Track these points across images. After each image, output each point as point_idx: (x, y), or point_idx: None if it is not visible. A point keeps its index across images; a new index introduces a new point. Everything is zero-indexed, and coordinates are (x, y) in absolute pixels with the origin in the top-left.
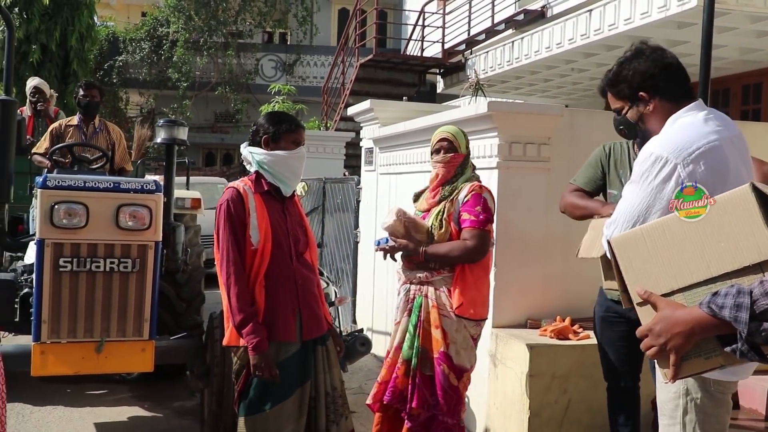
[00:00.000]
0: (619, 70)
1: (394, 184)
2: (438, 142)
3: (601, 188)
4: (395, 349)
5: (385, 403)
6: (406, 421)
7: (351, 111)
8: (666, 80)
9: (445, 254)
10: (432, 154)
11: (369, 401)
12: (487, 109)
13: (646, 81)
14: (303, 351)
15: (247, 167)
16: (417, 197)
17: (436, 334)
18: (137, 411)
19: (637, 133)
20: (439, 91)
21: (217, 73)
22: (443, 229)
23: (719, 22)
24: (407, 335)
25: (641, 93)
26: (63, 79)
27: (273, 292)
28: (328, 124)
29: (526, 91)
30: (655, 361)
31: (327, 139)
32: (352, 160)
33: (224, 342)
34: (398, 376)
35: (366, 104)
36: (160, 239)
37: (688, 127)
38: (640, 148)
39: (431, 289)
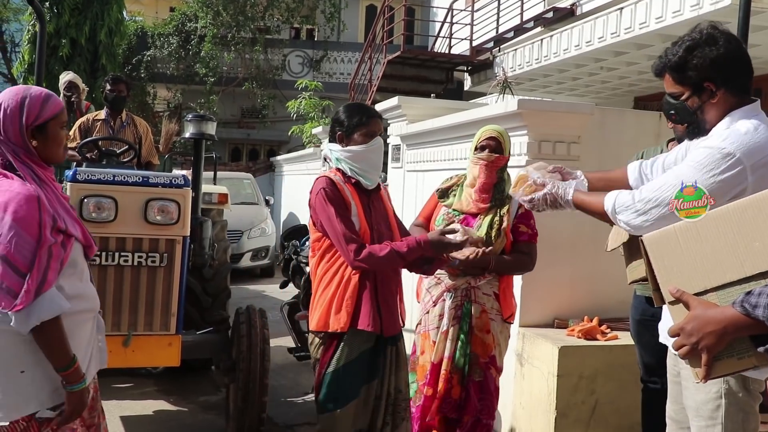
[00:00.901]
0: (687, 55)
1: (421, 181)
2: (486, 139)
3: None
4: (447, 359)
5: (449, 417)
6: (458, 430)
7: (379, 108)
8: (736, 73)
9: (510, 267)
10: (475, 150)
11: (428, 418)
12: (516, 107)
13: (716, 71)
14: (374, 349)
15: (330, 164)
16: (444, 193)
17: (487, 339)
18: (162, 405)
19: (690, 121)
20: (466, 88)
21: (244, 68)
22: (501, 239)
23: (753, 21)
24: (459, 343)
25: (708, 83)
26: (92, 74)
27: (360, 285)
28: None
29: (554, 89)
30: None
31: None
32: None
33: (312, 327)
34: (453, 386)
35: (394, 101)
36: (188, 234)
37: (757, 130)
38: (691, 137)
39: (479, 293)
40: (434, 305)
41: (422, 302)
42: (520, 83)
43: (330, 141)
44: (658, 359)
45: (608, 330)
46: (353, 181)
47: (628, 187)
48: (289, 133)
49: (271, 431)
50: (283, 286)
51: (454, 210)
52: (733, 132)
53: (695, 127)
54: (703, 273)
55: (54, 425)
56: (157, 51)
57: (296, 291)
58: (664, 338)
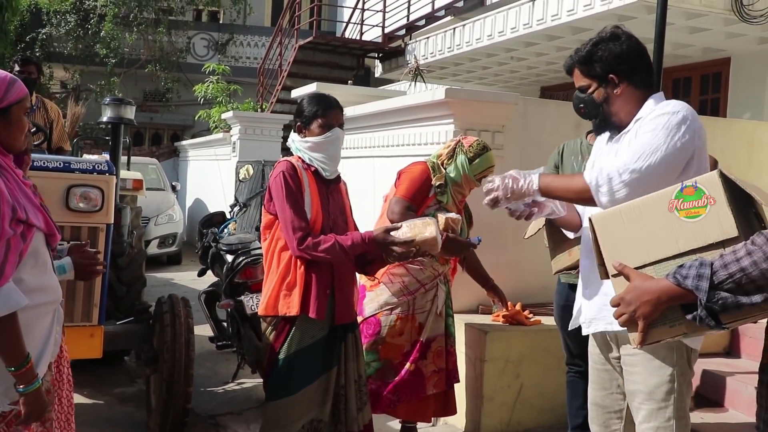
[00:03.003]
0: (593, 50)
1: (341, 169)
2: (489, 169)
3: None
4: (441, 336)
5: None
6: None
7: (295, 93)
8: (638, 68)
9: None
10: (477, 171)
11: (431, 391)
12: (444, 96)
13: (619, 64)
14: (330, 337)
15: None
16: (442, 190)
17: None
18: (77, 398)
19: (597, 114)
20: (376, 75)
21: (147, 50)
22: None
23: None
24: (450, 320)
25: (612, 75)
26: None
27: (310, 270)
28: (264, 106)
29: (463, 78)
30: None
31: (265, 121)
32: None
33: (262, 311)
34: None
35: (312, 87)
36: (112, 222)
37: (681, 103)
38: (599, 129)
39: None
40: (426, 291)
41: (403, 288)
42: (431, 71)
43: (293, 130)
44: (581, 344)
45: (531, 315)
46: (312, 169)
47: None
48: (196, 118)
49: (194, 422)
50: (201, 274)
51: (445, 208)
52: (674, 102)
53: (601, 121)
54: (643, 249)
55: (11, 421)
56: (53, 29)
57: (213, 279)
58: (586, 329)
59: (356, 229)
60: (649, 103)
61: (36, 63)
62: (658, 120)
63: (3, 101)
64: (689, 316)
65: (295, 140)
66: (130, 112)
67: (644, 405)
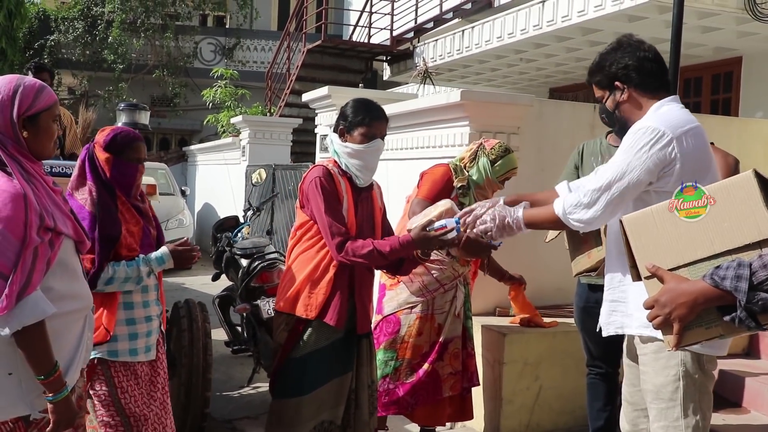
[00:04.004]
0: (599, 61)
1: None
2: (513, 171)
3: None
4: (459, 338)
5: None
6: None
7: (306, 97)
8: (639, 72)
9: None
10: (500, 173)
11: (447, 393)
12: (459, 98)
13: (620, 71)
14: (346, 341)
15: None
16: (465, 191)
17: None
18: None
19: (614, 121)
20: (385, 78)
21: (154, 55)
22: None
23: (667, 17)
24: (470, 322)
25: (616, 82)
26: None
27: (336, 278)
28: (272, 110)
29: (472, 80)
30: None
31: (274, 125)
32: (296, 147)
33: (278, 307)
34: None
35: (323, 91)
36: None
37: (676, 111)
38: (619, 136)
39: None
40: (445, 291)
41: (422, 287)
42: (440, 73)
43: (333, 131)
44: (602, 345)
45: (548, 318)
46: (348, 175)
47: None
48: (205, 122)
49: (211, 426)
50: (215, 278)
51: None
52: (654, 115)
53: (620, 127)
54: (677, 250)
55: (43, 427)
56: (62, 36)
57: (225, 284)
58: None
59: (387, 233)
60: (651, 109)
61: (49, 70)
62: (626, 139)
63: (32, 108)
64: (727, 318)
65: (333, 142)
66: (144, 117)
67: (653, 404)
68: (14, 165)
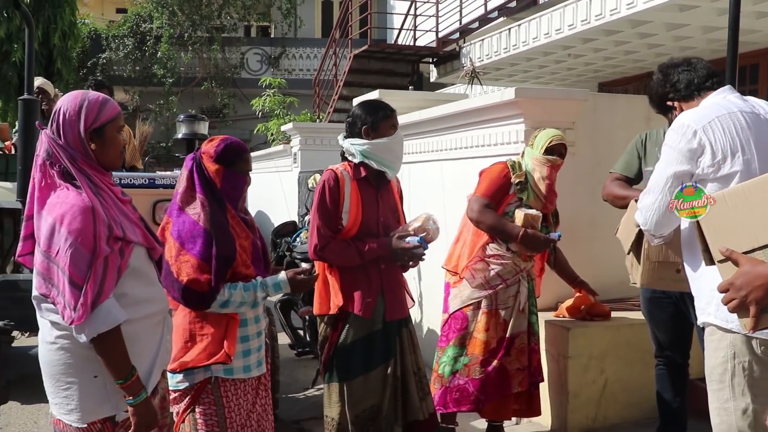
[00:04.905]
0: (650, 95)
1: (406, 173)
2: (558, 143)
3: (639, 172)
4: (524, 333)
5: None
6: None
7: (357, 102)
8: (675, 87)
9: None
10: (545, 150)
11: (516, 389)
12: (514, 96)
13: (665, 93)
14: (386, 330)
15: (350, 158)
16: (522, 187)
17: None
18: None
19: None
20: (432, 80)
21: (202, 68)
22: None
23: (719, 4)
24: (535, 317)
25: (668, 102)
26: (47, 78)
27: (354, 272)
28: (321, 116)
29: (519, 78)
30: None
31: (324, 131)
32: None
33: (315, 311)
34: (536, 352)
35: (375, 94)
36: None
37: (712, 102)
38: None
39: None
40: (507, 286)
41: (484, 282)
42: (487, 72)
43: (349, 136)
44: (671, 335)
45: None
46: (362, 175)
47: None
48: (255, 131)
49: (279, 427)
50: None
51: (527, 204)
52: (690, 110)
53: None
54: (751, 233)
55: (128, 427)
56: (113, 53)
57: None
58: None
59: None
60: (701, 105)
61: (108, 86)
62: (666, 137)
63: (97, 121)
64: None
65: (357, 143)
66: (203, 128)
67: (709, 386)
68: (83, 179)
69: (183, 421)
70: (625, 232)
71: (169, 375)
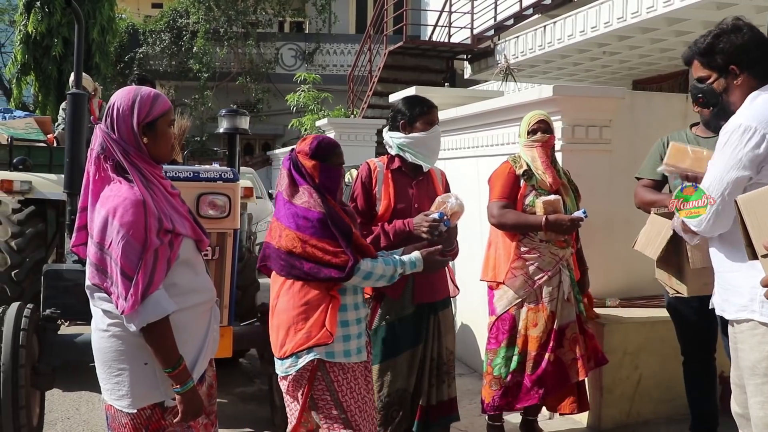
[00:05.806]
0: (714, 41)
1: (446, 168)
2: (536, 123)
3: (665, 175)
4: (574, 322)
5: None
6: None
7: (393, 98)
8: (759, 58)
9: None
10: (528, 134)
11: (575, 379)
12: (552, 93)
13: (740, 55)
14: (417, 315)
15: (389, 150)
16: (528, 176)
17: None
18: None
19: (717, 103)
20: (465, 77)
21: (237, 63)
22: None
23: (759, 1)
24: (582, 306)
25: (733, 66)
26: (86, 72)
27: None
28: (355, 112)
29: (554, 75)
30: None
31: (358, 127)
32: (380, 147)
33: None
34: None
35: (411, 91)
36: (239, 227)
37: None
38: (717, 119)
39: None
40: (549, 277)
41: (527, 278)
42: (521, 70)
43: (390, 129)
44: (696, 332)
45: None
46: (396, 166)
47: None
48: (289, 126)
49: None
50: None
51: (540, 189)
52: (747, 108)
53: (720, 109)
54: None
55: (177, 413)
56: (149, 48)
57: None
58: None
59: None
60: (748, 99)
61: (151, 81)
62: (721, 137)
63: (150, 115)
64: None
65: (396, 137)
66: (244, 123)
67: (750, 380)
68: (135, 172)
69: (306, 410)
70: (647, 245)
71: (277, 362)
